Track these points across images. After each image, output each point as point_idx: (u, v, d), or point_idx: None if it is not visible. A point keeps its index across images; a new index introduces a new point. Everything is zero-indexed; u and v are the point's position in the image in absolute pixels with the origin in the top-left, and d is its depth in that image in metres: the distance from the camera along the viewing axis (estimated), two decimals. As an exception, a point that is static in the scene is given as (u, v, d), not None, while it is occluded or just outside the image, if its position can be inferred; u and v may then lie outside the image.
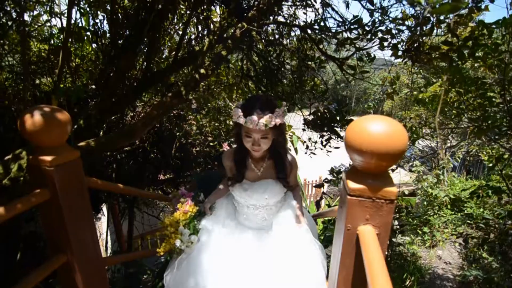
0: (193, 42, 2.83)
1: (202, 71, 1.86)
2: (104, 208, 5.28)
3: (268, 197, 1.43)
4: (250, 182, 1.47)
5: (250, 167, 1.47)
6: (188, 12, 2.62)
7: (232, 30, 2.02)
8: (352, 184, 0.77)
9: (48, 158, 0.99)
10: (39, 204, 1.02)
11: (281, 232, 1.38)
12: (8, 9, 2.06)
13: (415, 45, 2.22)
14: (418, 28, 2.13)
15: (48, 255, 1.11)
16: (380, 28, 2.33)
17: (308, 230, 1.39)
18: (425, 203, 5.51)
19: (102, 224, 6.66)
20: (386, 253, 3.47)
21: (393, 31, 2.27)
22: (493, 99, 2.50)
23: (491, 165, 2.90)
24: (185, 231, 1.33)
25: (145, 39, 2.12)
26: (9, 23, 2.06)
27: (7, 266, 2.02)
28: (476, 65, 3.16)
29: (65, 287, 1.16)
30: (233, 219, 1.55)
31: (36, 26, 2.61)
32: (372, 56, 2.62)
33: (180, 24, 2.97)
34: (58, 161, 1.02)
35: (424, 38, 2.19)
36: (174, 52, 2.50)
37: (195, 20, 2.72)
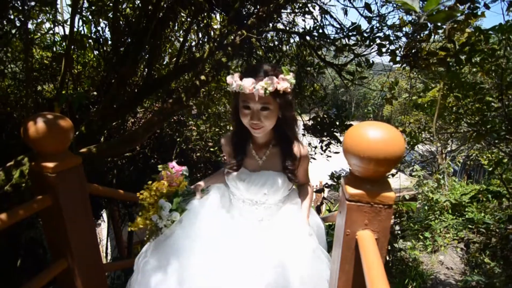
0: (194, 49, 2.87)
1: (202, 77, 1.88)
2: (104, 214, 5.27)
3: (267, 192, 1.17)
4: (249, 172, 1.21)
5: (250, 154, 1.22)
6: (188, 19, 2.66)
7: (232, 37, 2.05)
8: (350, 190, 0.78)
9: (50, 164, 1.00)
10: (41, 210, 1.03)
11: (279, 236, 1.13)
12: (12, 17, 2.10)
13: (413, 50, 2.25)
14: (416, 34, 2.16)
15: (50, 261, 1.11)
16: (378, 34, 2.37)
17: (314, 236, 1.16)
18: (426, 207, 5.50)
19: (102, 230, 6.63)
20: (388, 258, 3.46)
21: (391, 37, 2.31)
22: (492, 104, 2.52)
23: (491, 169, 2.91)
24: (166, 205, 1.10)
25: (146, 46, 2.15)
26: (13, 31, 2.09)
27: (8, 272, 2.02)
28: (474, 70, 3.19)
29: (65, 294, 1.16)
30: (227, 211, 1.29)
31: (39, 34, 2.65)
32: (371, 61, 2.65)
33: (181, 32, 3.01)
34: (60, 168, 1.03)
35: (421, 44, 2.22)
36: (175, 59, 2.54)
37: (195, 28, 2.76)
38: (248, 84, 1.00)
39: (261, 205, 1.22)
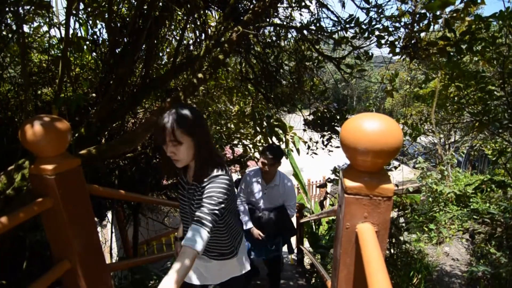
0: (191, 47, 2.85)
1: (200, 75, 1.87)
2: (109, 215, 5.31)
3: None
4: None
5: None
6: (184, 18, 2.64)
7: (229, 34, 2.04)
8: (349, 183, 0.77)
9: (49, 167, 1.01)
10: (42, 212, 1.03)
11: None
12: (9, 21, 2.10)
13: (413, 41, 2.22)
14: (415, 24, 2.13)
15: (53, 262, 1.12)
16: (376, 26, 2.33)
17: None
18: (430, 199, 5.47)
19: (107, 231, 6.69)
20: (392, 251, 3.44)
21: (390, 29, 2.27)
22: (494, 93, 2.49)
23: (494, 159, 2.88)
24: None
25: (143, 46, 2.14)
26: (10, 35, 2.09)
27: (15, 275, 2.04)
28: (475, 59, 3.14)
29: (70, 294, 1.16)
30: None
31: (36, 38, 2.65)
32: (370, 54, 2.62)
33: (178, 30, 2.99)
34: (59, 170, 1.03)
35: (421, 34, 2.19)
36: (172, 58, 2.52)
37: (192, 26, 2.74)
38: None
39: None
